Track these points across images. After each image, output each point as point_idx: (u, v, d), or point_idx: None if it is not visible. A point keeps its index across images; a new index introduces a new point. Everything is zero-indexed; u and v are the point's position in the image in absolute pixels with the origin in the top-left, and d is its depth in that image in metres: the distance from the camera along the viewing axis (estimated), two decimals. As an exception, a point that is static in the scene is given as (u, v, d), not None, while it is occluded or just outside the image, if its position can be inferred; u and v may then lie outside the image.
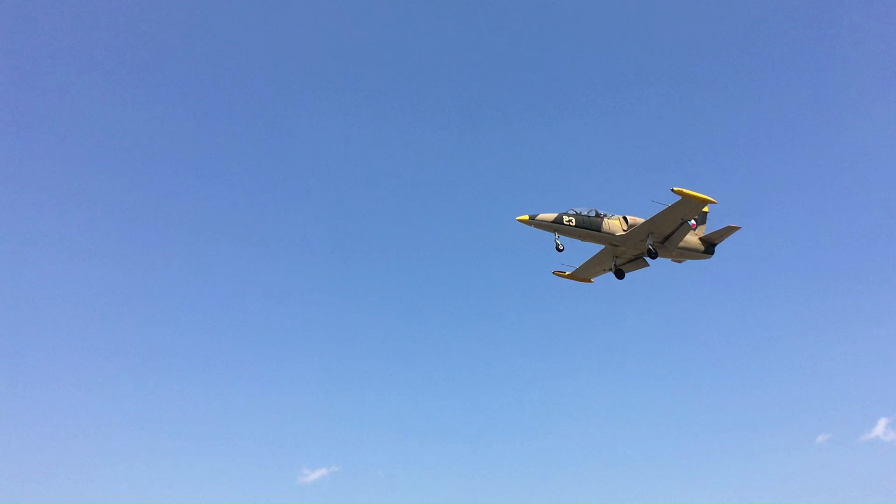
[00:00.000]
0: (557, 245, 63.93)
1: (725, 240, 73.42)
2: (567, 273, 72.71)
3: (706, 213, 73.01)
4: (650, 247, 66.28)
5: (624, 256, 70.54)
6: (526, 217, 63.22)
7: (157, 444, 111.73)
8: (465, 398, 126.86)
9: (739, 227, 71.90)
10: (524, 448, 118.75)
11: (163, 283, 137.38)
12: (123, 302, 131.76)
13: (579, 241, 67.18)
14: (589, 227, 65.64)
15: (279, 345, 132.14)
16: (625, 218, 67.94)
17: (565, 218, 64.49)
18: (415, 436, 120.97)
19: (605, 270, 72.65)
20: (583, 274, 72.90)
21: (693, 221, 70.70)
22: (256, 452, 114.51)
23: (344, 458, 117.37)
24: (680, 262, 74.02)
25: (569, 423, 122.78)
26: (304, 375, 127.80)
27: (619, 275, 71.60)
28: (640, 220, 66.19)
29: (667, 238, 67.09)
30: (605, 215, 66.98)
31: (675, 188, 58.69)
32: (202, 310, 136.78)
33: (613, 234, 66.75)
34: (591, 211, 66.18)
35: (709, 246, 73.04)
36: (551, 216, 64.16)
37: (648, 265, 71.27)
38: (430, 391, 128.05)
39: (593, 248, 70.69)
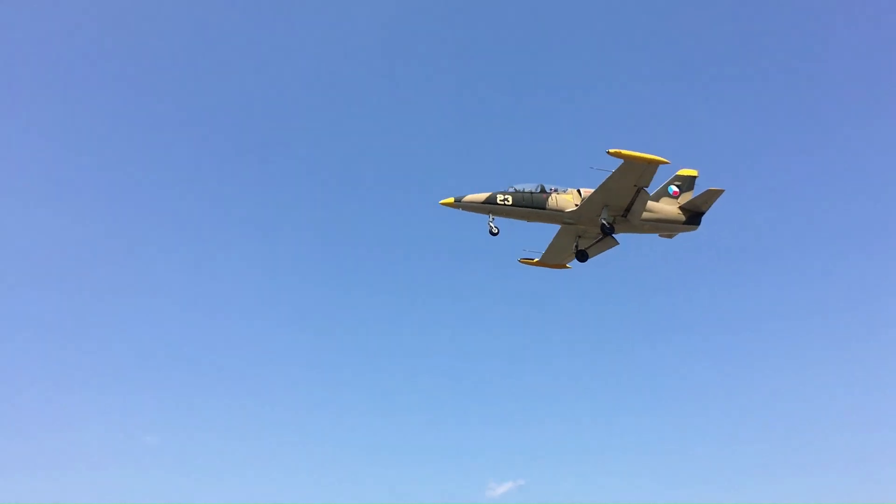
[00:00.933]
0: (491, 228, 57.85)
1: (713, 207, 64.04)
2: (535, 260, 65.75)
3: (694, 177, 65.79)
4: (604, 222, 58.82)
5: (588, 236, 62.69)
6: (451, 200, 57.69)
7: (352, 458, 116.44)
8: (643, 405, 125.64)
9: (723, 191, 62.06)
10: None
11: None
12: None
13: (527, 223, 59.92)
14: (531, 206, 59.04)
15: (463, 359, 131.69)
16: (579, 192, 60.26)
17: (500, 197, 58.40)
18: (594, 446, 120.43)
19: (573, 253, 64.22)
20: (553, 259, 66.04)
21: (675, 189, 65.14)
22: (443, 467, 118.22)
23: (529, 471, 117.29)
24: (670, 236, 66.18)
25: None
26: (485, 389, 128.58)
27: (582, 257, 63.81)
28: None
29: (627, 210, 58.42)
30: (553, 190, 60.09)
31: (610, 150, 50.99)
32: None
33: (563, 211, 59.59)
34: (536, 187, 59.72)
35: (692, 216, 64.64)
36: (482, 196, 58.16)
37: (618, 243, 63.98)
38: (611, 401, 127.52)
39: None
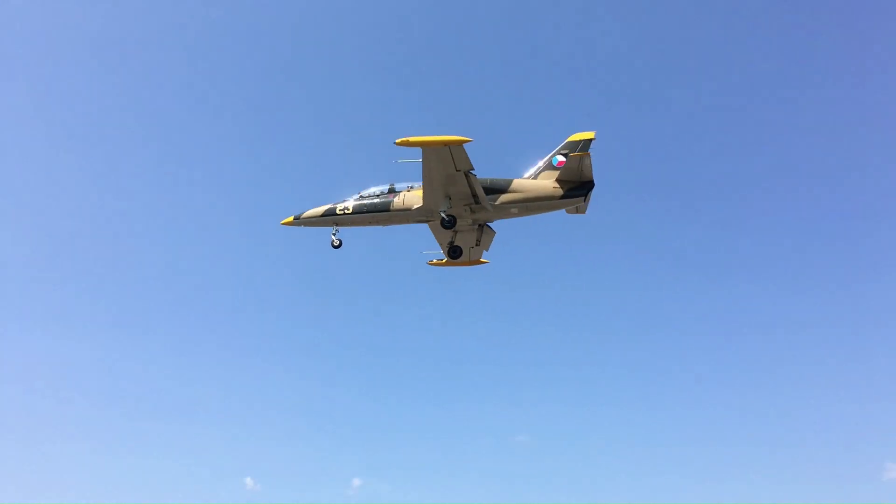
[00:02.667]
0: (332, 241, 57.80)
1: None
2: (444, 260, 62.68)
3: (590, 140, 56.52)
4: (443, 215, 55.14)
5: (462, 230, 58.26)
6: (290, 219, 58.45)
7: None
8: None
9: (587, 154, 54.80)
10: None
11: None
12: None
13: (385, 227, 59.13)
14: (373, 210, 57.16)
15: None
16: None
17: (339, 207, 57.55)
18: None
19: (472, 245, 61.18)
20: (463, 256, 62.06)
21: (560, 158, 57.61)
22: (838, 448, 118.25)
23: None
24: (581, 212, 59.15)
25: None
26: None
27: (454, 253, 60.29)
28: None
29: (475, 196, 54.23)
30: (408, 188, 57.15)
31: (397, 140, 47.80)
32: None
33: (411, 209, 56.53)
34: (385, 188, 57.71)
35: (573, 188, 56.48)
36: (321, 210, 57.97)
37: (495, 232, 60.55)
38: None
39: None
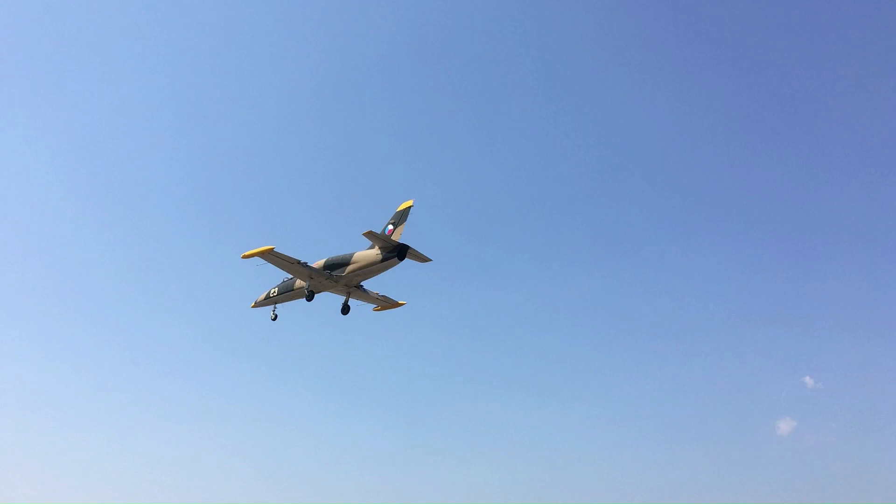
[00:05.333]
0: (271, 315, 79.13)
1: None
2: (379, 307, 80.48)
3: (408, 208, 69.20)
4: (306, 289, 73.99)
5: (353, 287, 76.56)
6: (252, 304, 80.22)
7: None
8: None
9: (370, 231, 66.84)
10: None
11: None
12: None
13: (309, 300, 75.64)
14: (287, 291, 76.87)
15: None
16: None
17: (272, 291, 78.27)
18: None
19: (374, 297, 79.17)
20: (386, 302, 79.97)
21: (390, 227, 70.50)
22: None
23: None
24: (426, 260, 71.60)
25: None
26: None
27: (344, 311, 78.07)
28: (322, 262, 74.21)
29: (336, 273, 73.17)
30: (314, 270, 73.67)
31: (242, 255, 66.81)
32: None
33: (304, 287, 74.96)
34: (299, 268, 72.81)
35: (389, 252, 69.89)
36: (263, 295, 79.21)
37: (365, 291, 78.05)
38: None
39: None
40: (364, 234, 66.49)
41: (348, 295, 76.27)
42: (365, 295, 76.85)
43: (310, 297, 73.14)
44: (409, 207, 69.21)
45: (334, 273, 71.83)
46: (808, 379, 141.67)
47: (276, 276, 77.48)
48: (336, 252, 73.21)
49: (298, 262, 69.13)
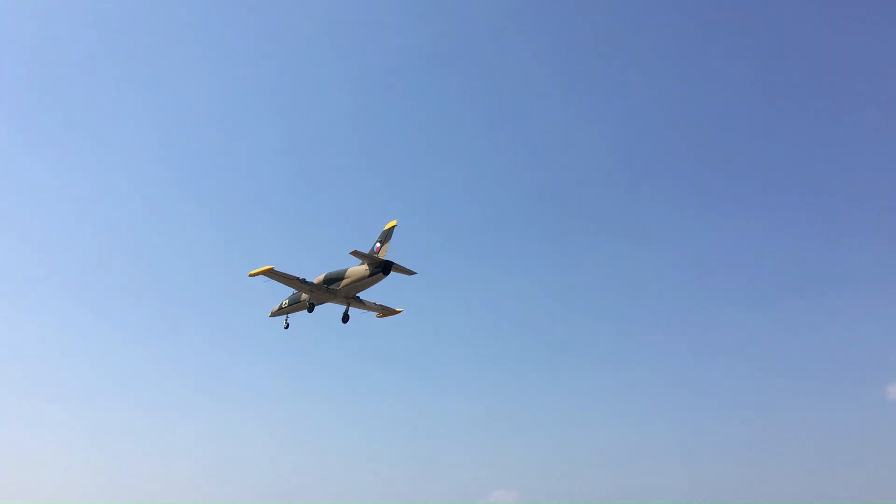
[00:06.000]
0: (284, 324, 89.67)
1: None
2: (381, 314, 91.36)
3: (392, 227, 77.57)
4: (308, 303, 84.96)
5: (351, 298, 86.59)
6: (269, 314, 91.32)
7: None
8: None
9: (355, 252, 75.09)
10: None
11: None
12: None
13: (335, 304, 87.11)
14: (297, 302, 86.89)
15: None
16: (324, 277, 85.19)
17: (284, 303, 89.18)
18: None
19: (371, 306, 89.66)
20: (384, 310, 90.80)
21: (377, 245, 79.87)
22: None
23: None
24: (412, 273, 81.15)
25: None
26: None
27: (344, 320, 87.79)
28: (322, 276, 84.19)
29: (330, 287, 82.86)
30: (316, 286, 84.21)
31: (249, 273, 75.85)
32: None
33: (308, 300, 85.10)
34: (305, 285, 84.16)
35: (375, 267, 79.10)
36: (277, 306, 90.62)
37: (361, 301, 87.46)
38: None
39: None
40: (351, 253, 75.05)
41: (348, 305, 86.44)
42: (362, 304, 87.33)
43: (310, 309, 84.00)
44: (394, 227, 77.95)
45: (331, 287, 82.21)
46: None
47: (288, 288, 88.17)
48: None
49: (297, 278, 79.30)
